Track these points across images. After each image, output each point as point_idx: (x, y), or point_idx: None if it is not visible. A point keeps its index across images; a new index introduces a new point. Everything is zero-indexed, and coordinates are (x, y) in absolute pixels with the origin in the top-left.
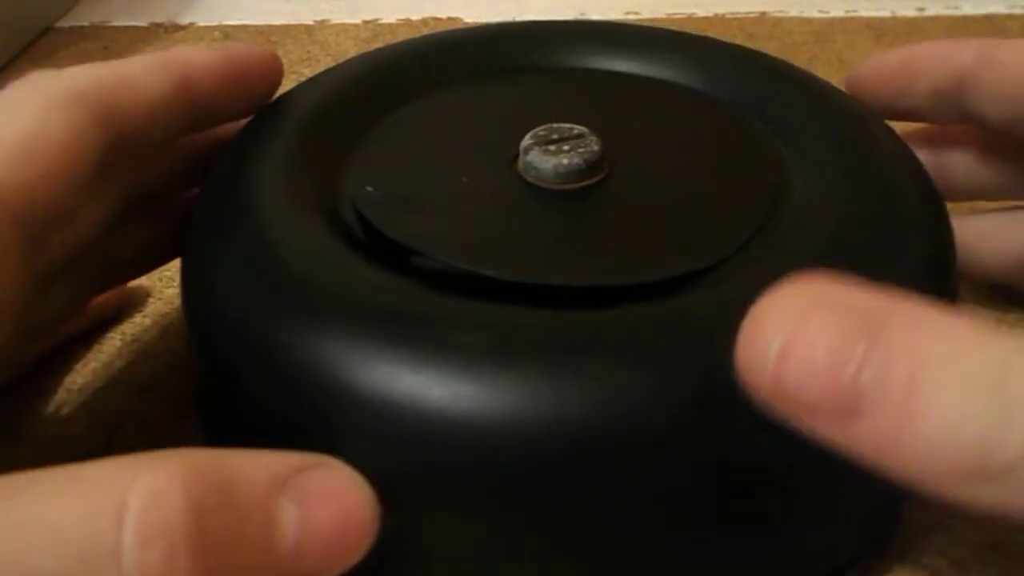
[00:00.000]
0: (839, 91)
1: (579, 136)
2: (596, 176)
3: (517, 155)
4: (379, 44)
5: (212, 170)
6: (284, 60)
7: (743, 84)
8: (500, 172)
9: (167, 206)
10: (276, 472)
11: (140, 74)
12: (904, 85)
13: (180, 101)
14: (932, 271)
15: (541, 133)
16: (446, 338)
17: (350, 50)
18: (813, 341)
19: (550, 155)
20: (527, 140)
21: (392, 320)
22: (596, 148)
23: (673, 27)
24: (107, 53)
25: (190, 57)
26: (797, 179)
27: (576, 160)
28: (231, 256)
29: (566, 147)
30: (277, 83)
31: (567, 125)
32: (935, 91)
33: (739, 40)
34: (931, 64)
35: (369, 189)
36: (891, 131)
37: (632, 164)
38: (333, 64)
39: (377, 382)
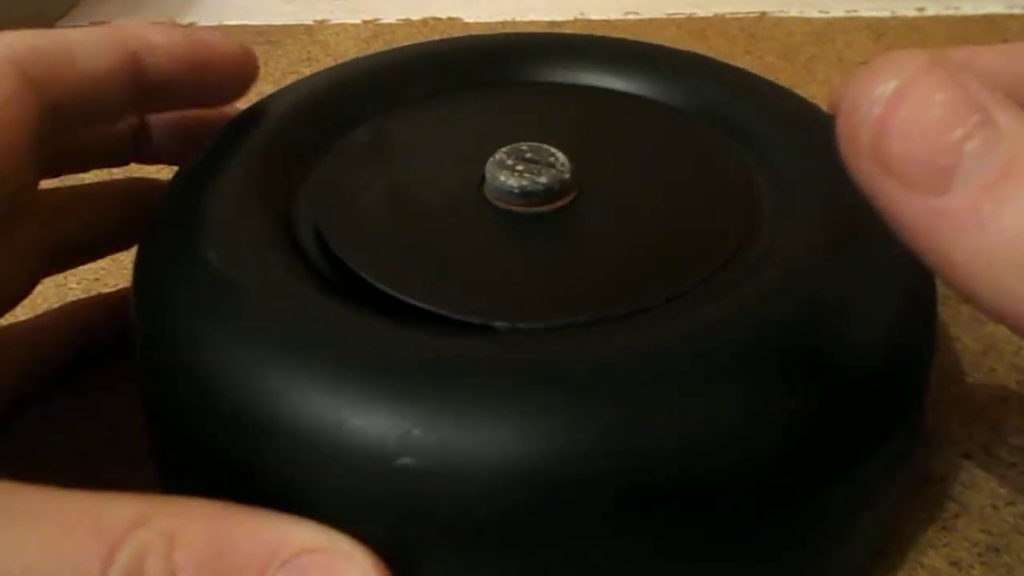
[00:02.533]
0: (812, 105)
1: (548, 156)
2: (563, 199)
3: (484, 177)
4: (379, 44)
5: (168, 191)
6: (284, 60)
7: (720, 100)
8: (467, 194)
9: (119, 187)
10: (276, 548)
11: (83, 45)
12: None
13: (126, 77)
14: (910, 299)
15: (509, 152)
16: (392, 375)
17: (350, 50)
18: (930, 94)
19: (514, 176)
20: (493, 160)
21: (343, 358)
22: (562, 171)
23: (673, 27)
24: None
25: (145, 34)
26: (768, 200)
27: (533, 183)
28: (183, 290)
29: (520, 167)
30: (249, 77)
31: (537, 144)
32: None
33: (740, 40)
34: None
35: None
36: None
37: (602, 185)
38: (333, 64)
39: (320, 420)
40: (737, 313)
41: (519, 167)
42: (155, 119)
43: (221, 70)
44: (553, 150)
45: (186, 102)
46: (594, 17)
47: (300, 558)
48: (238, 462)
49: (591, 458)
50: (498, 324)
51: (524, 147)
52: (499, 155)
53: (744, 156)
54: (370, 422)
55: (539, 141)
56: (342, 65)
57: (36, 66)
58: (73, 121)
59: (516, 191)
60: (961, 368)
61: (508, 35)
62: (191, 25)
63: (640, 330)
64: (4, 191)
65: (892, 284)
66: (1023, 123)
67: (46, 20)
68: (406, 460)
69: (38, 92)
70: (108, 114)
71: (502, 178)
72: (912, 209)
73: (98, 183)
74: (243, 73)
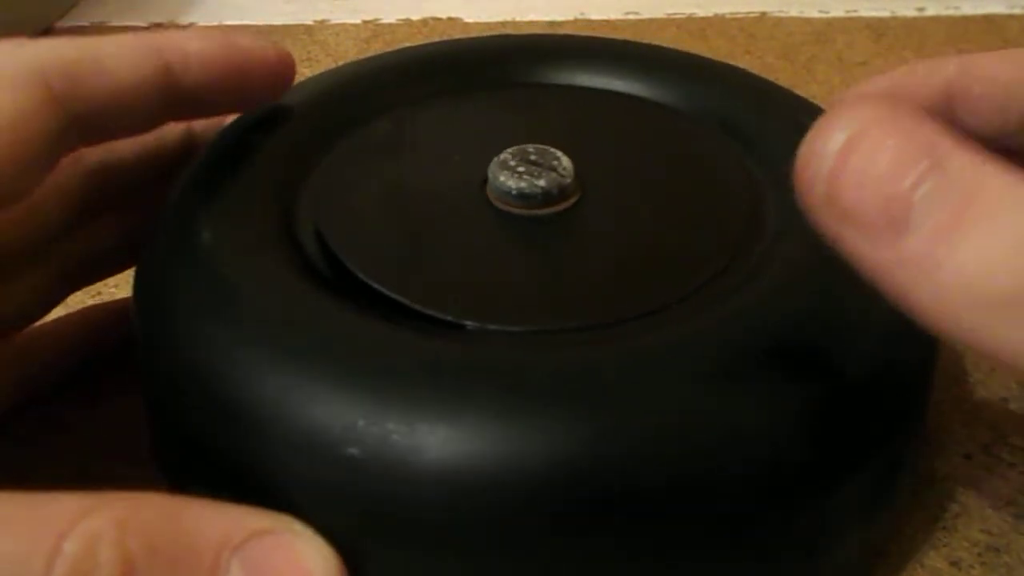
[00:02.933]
0: (814, 106)
1: (552, 160)
2: (564, 202)
3: (487, 179)
4: (379, 44)
5: (170, 191)
6: None
7: (725, 103)
8: (470, 194)
9: (143, 199)
10: (229, 532)
11: (114, 55)
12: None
13: (158, 88)
14: None
15: (514, 153)
16: (395, 380)
17: (350, 50)
18: (879, 144)
19: (514, 177)
20: (497, 161)
21: (309, 349)
22: (563, 175)
23: (673, 27)
24: None
25: (179, 43)
26: (770, 205)
27: (532, 186)
28: (184, 293)
29: (522, 168)
30: (287, 80)
31: (543, 147)
32: (928, 101)
33: (740, 40)
34: (918, 84)
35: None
36: None
37: (604, 189)
38: (334, 64)
39: (321, 422)
40: (722, 324)
41: (520, 169)
42: (203, 135)
43: (257, 75)
44: (558, 153)
45: (221, 109)
46: (594, 17)
47: (254, 540)
48: (217, 451)
49: (529, 462)
50: (469, 323)
51: (530, 149)
52: (504, 156)
53: (747, 159)
54: (323, 411)
55: (547, 143)
56: (347, 66)
57: (63, 78)
58: (102, 132)
59: (514, 193)
60: (961, 368)
61: (518, 37)
62: (191, 26)
63: (611, 337)
64: (13, 203)
65: None
66: (974, 164)
67: (46, 20)
68: (353, 451)
69: (62, 106)
70: (139, 125)
71: (502, 179)
72: (872, 256)
73: None
74: (279, 77)
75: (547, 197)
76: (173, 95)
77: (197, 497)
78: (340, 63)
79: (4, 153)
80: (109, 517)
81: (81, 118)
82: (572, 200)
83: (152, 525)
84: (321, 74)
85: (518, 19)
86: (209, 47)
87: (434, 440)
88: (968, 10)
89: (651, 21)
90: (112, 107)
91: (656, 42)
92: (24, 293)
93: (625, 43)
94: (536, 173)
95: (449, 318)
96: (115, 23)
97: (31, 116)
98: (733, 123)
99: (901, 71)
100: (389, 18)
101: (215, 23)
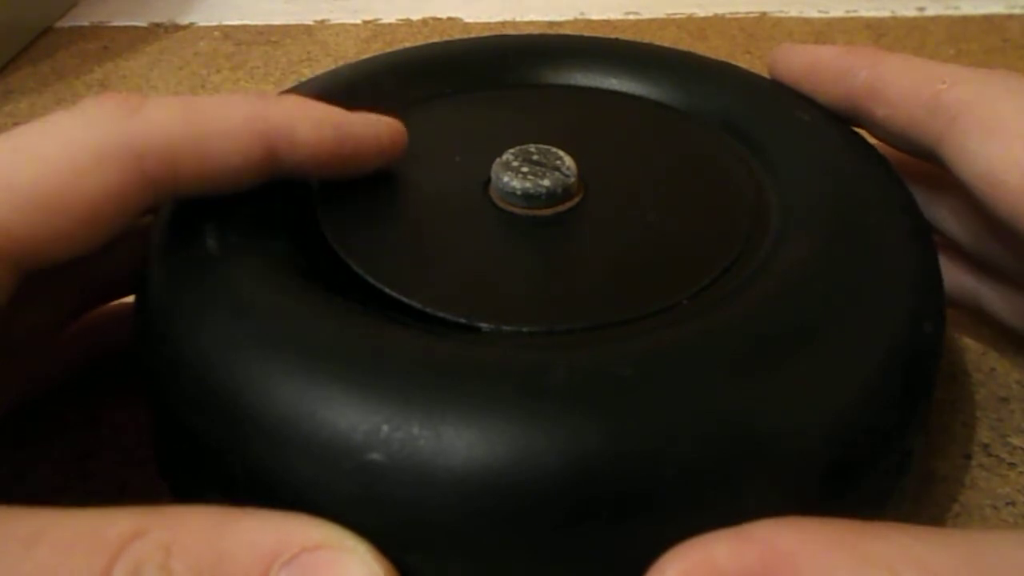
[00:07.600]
0: (823, 108)
1: (555, 159)
2: (567, 203)
3: (489, 179)
4: (379, 44)
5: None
6: (284, 60)
7: (724, 102)
8: (473, 194)
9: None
10: (277, 548)
11: (221, 135)
12: (809, 92)
13: (257, 171)
14: (917, 303)
15: (516, 154)
16: (403, 380)
17: (350, 50)
18: None
19: (517, 178)
20: (499, 161)
21: (323, 352)
22: (566, 175)
23: (673, 27)
24: (107, 53)
25: (289, 127)
26: (773, 204)
27: (536, 186)
28: (189, 295)
29: (525, 169)
30: (391, 158)
31: (546, 147)
32: (833, 105)
33: (739, 40)
34: (828, 81)
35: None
36: (874, 151)
37: (607, 189)
38: (334, 64)
39: (328, 427)
40: (734, 322)
41: (524, 169)
42: None
43: (363, 160)
44: (560, 153)
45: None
46: (594, 17)
47: (301, 556)
48: (230, 457)
49: (554, 465)
50: (483, 325)
51: (532, 149)
52: (506, 156)
53: (748, 157)
54: (344, 416)
55: (550, 143)
56: (346, 66)
57: (161, 162)
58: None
59: (519, 193)
60: (961, 368)
61: (517, 37)
62: (191, 26)
63: (625, 338)
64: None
65: (900, 290)
66: None
67: (46, 20)
68: (376, 456)
69: (153, 187)
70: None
71: (506, 179)
72: None
73: None
74: (388, 156)
75: (551, 197)
76: (269, 174)
77: (215, 504)
78: (340, 63)
79: (78, 232)
80: (155, 539)
81: (168, 194)
82: (576, 200)
83: (197, 545)
84: (320, 75)
85: (518, 19)
86: (321, 138)
87: (461, 444)
88: (968, 10)
89: (651, 21)
90: (206, 187)
91: (656, 42)
92: (39, 311)
93: (625, 43)
94: (540, 173)
95: (462, 320)
96: (115, 23)
97: (114, 197)
98: (733, 121)
99: (820, 57)
100: (389, 18)
101: (215, 23)
